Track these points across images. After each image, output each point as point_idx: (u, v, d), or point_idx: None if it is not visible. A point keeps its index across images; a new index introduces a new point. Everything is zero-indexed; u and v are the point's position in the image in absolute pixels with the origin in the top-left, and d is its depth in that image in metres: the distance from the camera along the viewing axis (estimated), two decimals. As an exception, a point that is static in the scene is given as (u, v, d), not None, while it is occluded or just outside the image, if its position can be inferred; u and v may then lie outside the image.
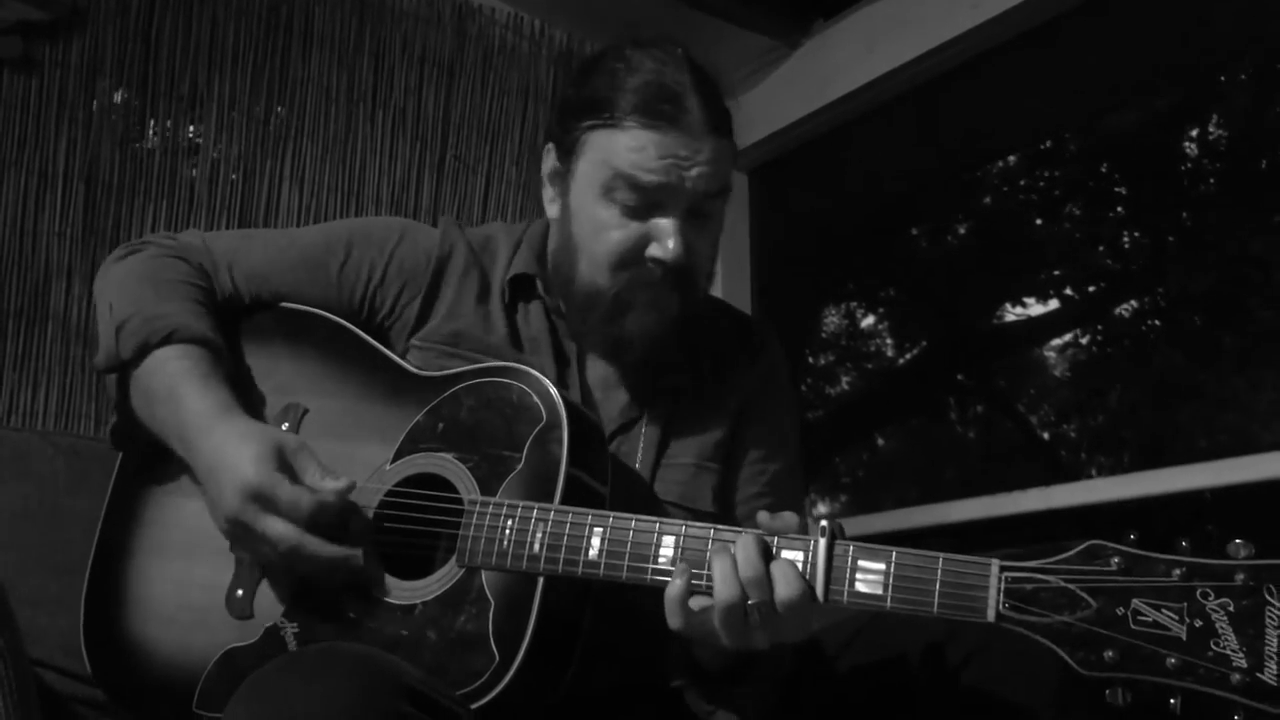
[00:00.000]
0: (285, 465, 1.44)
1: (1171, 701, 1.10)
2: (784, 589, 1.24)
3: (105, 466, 1.69)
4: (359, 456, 1.54)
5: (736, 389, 1.71)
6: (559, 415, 1.45)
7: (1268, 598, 1.07)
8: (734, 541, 1.29)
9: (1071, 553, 1.17)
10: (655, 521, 1.35)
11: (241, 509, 1.42)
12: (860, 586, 1.25)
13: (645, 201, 1.54)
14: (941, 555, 1.21)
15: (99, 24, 2.67)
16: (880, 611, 1.25)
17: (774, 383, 1.76)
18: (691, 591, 1.29)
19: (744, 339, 1.76)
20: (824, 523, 1.27)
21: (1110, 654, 1.12)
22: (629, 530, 1.35)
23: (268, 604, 1.51)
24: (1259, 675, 1.06)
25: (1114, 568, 1.14)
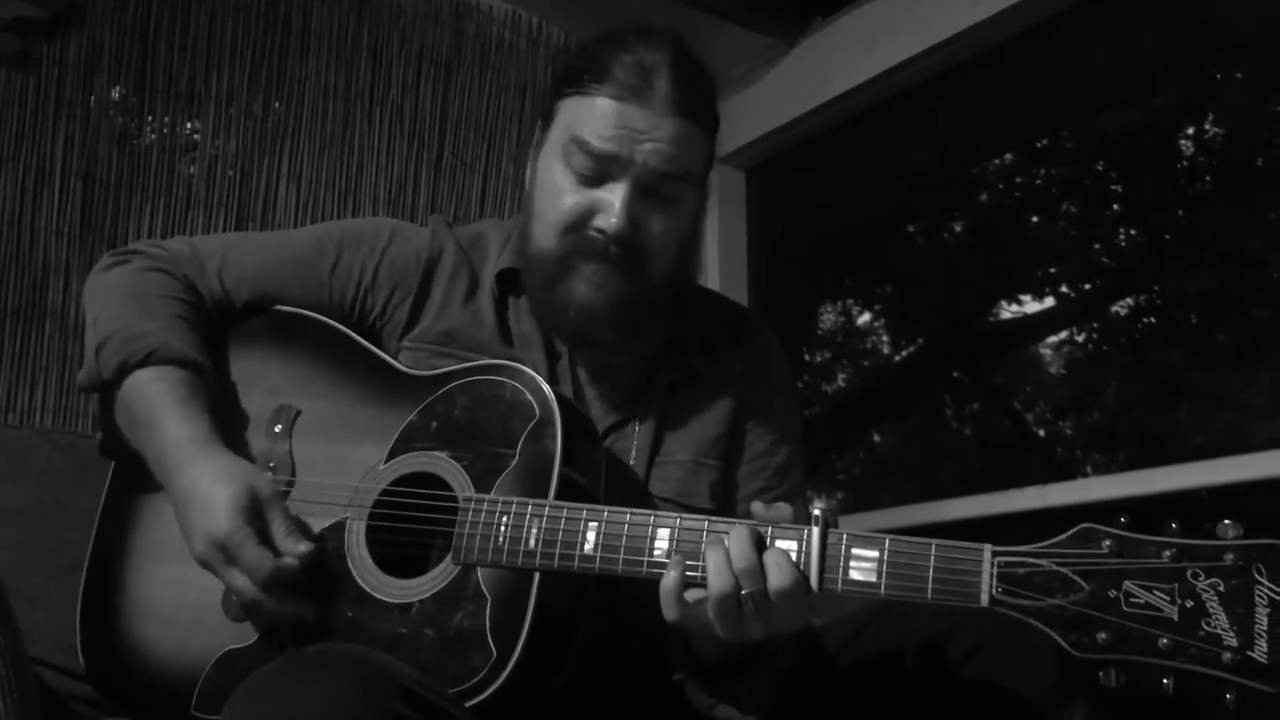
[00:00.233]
0: (256, 515, 1.45)
1: (1164, 681, 1.11)
2: (777, 578, 1.25)
3: (103, 465, 1.69)
4: (352, 457, 1.54)
5: (732, 383, 1.70)
6: (552, 411, 1.45)
7: (1257, 577, 1.09)
8: (728, 533, 1.29)
9: (1063, 537, 1.18)
10: (650, 515, 1.35)
11: (208, 555, 1.44)
12: (854, 574, 1.25)
13: (598, 170, 1.53)
14: (934, 541, 1.22)
15: (97, 21, 2.68)
16: (875, 599, 1.25)
17: (770, 374, 1.75)
18: (687, 583, 1.29)
19: (738, 330, 1.76)
20: (817, 512, 1.28)
21: (1103, 636, 1.13)
22: (624, 524, 1.36)
23: None
24: (1250, 653, 1.08)
25: (1105, 550, 1.15)
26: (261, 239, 1.78)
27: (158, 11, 2.75)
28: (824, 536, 1.27)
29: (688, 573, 1.29)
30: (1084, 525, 1.15)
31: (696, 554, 1.30)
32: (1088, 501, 2.64)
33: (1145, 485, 2.54)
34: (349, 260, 1.68)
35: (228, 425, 1.57)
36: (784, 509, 1.31)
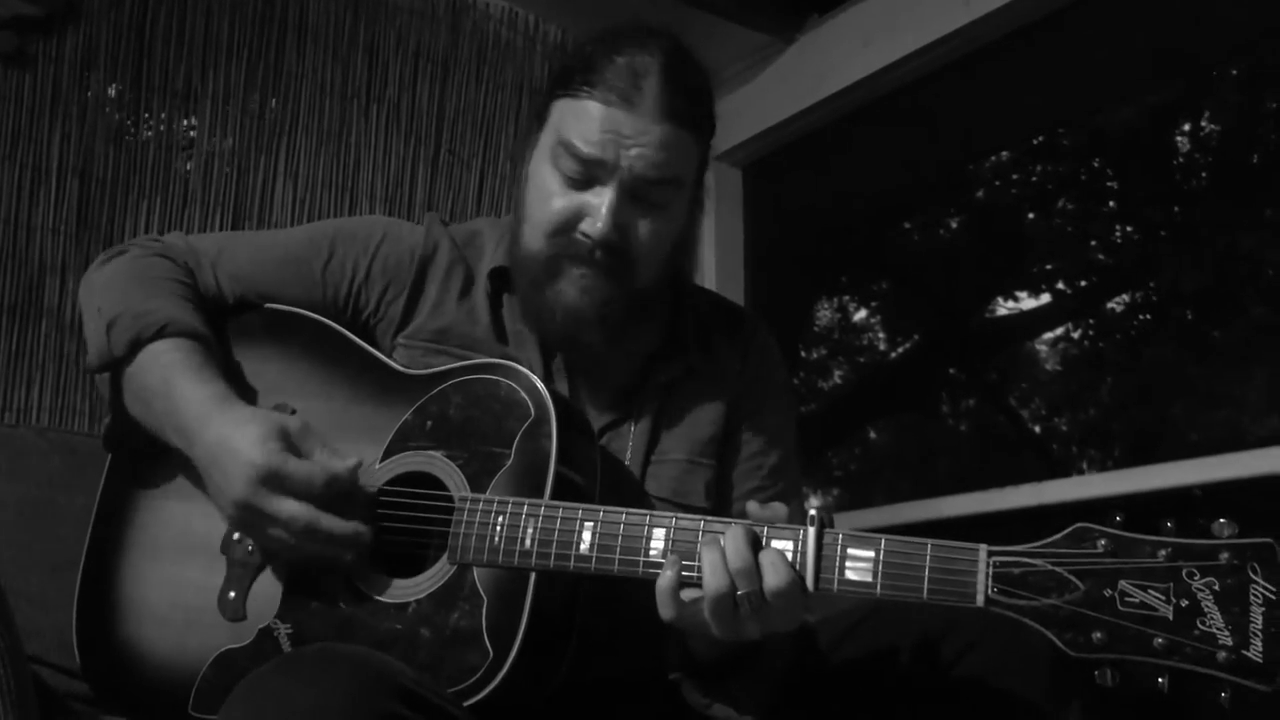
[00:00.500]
0: (290, 446, 1.44)
1: (1159, 680, 1.11)
2: (773, 578, 1.25)
3: (100, 463, 1.68)
4: (348, 456, 1.54)
5: (728, 383, 1.70)
6: (547, 410, 1.45)
7: (1252, 576, 1.09)
8: (724, 533, 1.29)
9: (1059, 536, 1.18)
10: (645, 514, 1.36)
11: (251, 492, 1.42)
12: (850, 574, 1.25)
13: (585, 174, 1.53)
14: (930, 541, 1.23)
15: (93, 18, 2.67)
16: (871, 599, 1.26)
17: (766, 374, 1.75)
18: (683, 583, 1.30)
19: (734, 330, 1.76)
20: (813, 512, 1.28)
21: (1098, 635, 1.13)
22: (619, 524, 1.36)
23: (260, 605, 1.51)
24: (1244, 652, 1.08)
25: (1100, 550, 1.15)
26: (256, 237, 1.78)
27: (154, 9, 2.75)
28: (819, 536, 1.27)
29: (684, 572, 1.30)
30: (1079, 525, 1.15)
31: (692, 554, 1.30)
32: (1083, 499, 2.64)
33: (1140, 483, 2.55)
34: (342, 257, 1.67)
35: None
36: (779, 509, 1.31)
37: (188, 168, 2.79)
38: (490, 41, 3.21)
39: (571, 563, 1.37)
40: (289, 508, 1.41)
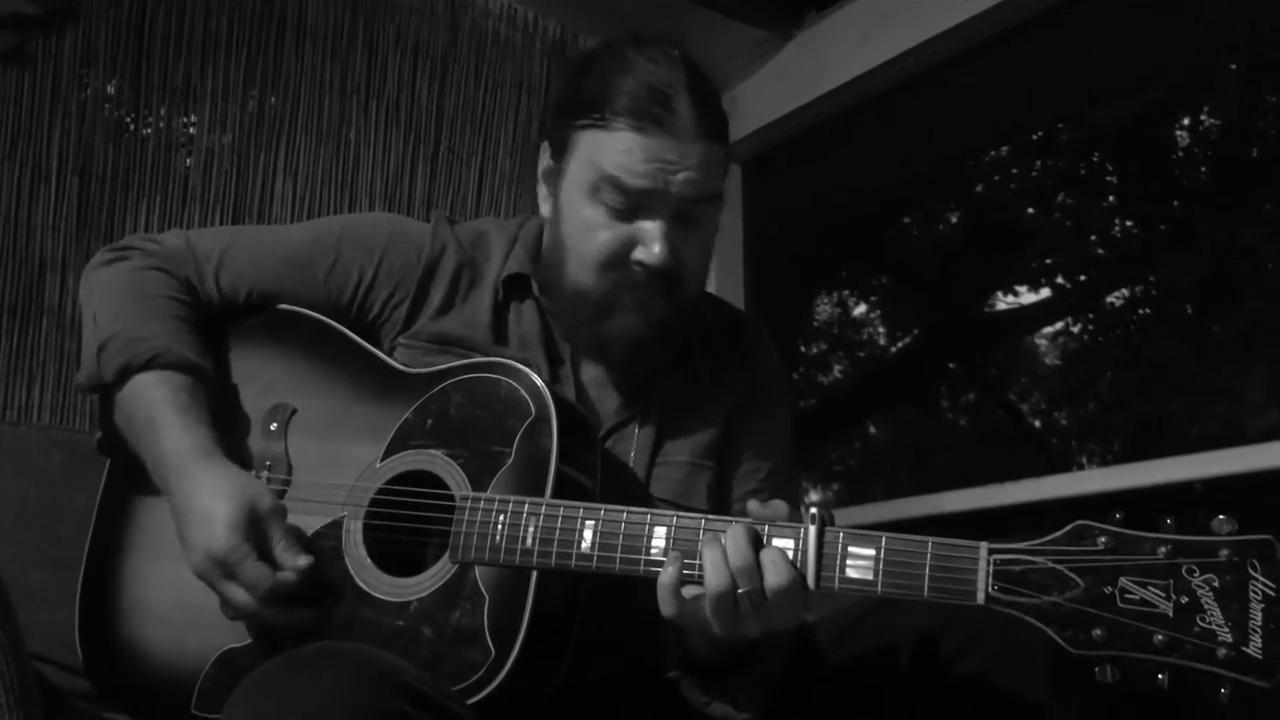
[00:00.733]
0: (255, 529, 1.45)
1: (1159, 677, 1.12)
2: (774, 577, 1.25)
3: (101, 462, 1.69)
4: (349, 455, 1.54)
5: (730, 387, 1.70)
6: (547, 409, 1.45)
7: (1251, 572, 1.09)
8: (725, 531, 1.30)
9: (1059, 534, 1.18)
10: (646, 513, 1.36)
11: (207, 569, 1.45)
12: (851, 572, 1.26)
13: (631, 204, 1.52)
14: (931, 539, 1.23)
15: (92, 16, 2.67)
16: (871, 597, 1.26)
17: (767, 380, 1.75)
18: (684, 581, 1.30)
19: (737, 337, 1.76)
20: (813, 510, 1.28)
21: (1099, 632, 1.14)
22: (621, 522, 1.36)
23: None
24: (1244, 649, 1.08)
25: (1101, 547, 1.16)
26: (258, 236, 1.78)
27: (152, 6, 2.74)
28: (820, 534, 1.27)
29: (685, 570, 1.30)
30: (1080, 522, 1.16)
31: (693, 552, 1.30)
32: (1082, 494, 2.64)
33: (1140, 478, 2.55)
34: (347, 261, 1.67)
35: (225, 425, 1.57)
36: (780, 507, 1.32)
37: (187, 164, 2.79)
38: (489, 38, 3.21)
39: (573, 561, 1.37)
40: (237, 596, 1.44)
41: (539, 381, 1.48)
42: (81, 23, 2.66)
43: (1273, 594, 1.08)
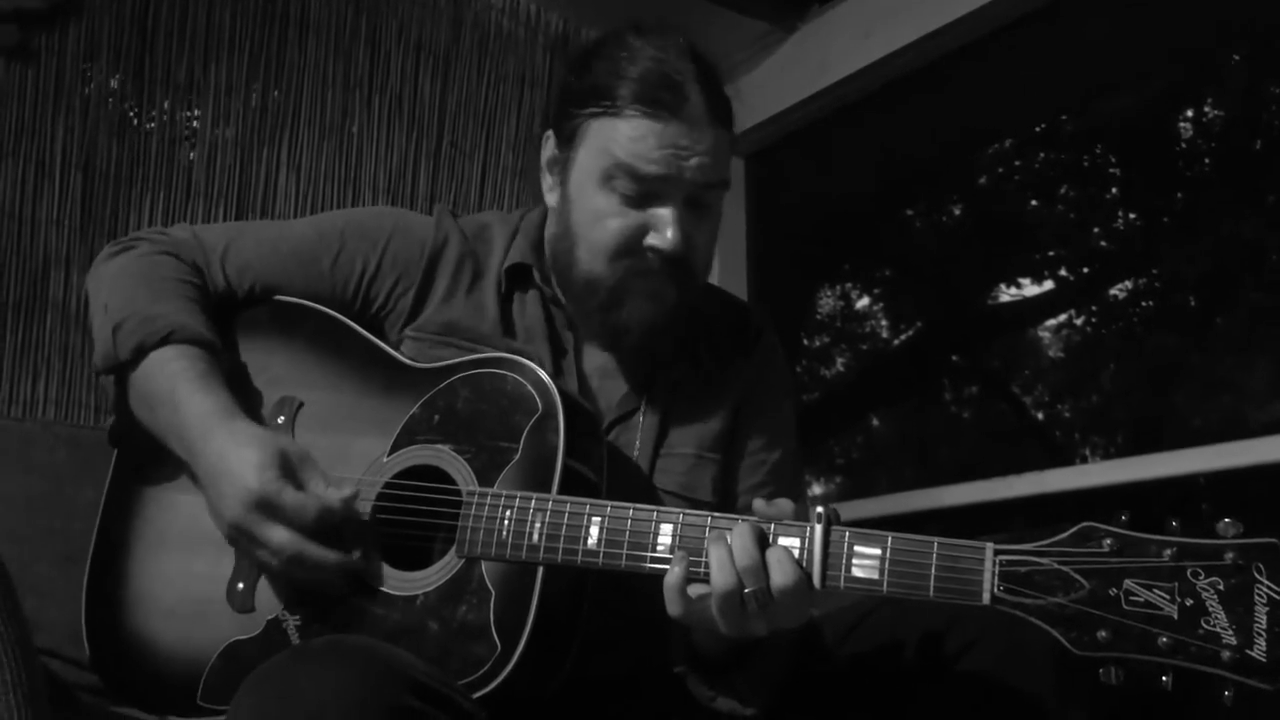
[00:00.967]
0: (289, 473, 1.45)
1: (1163, 679, 1.12)
2: (779, 576, 1.26)
3: (107, 456, 1.69)
4: (355, 449, 1.54)
5: (735, 379, 1.71)
6: (554, 405, 1.46)
7: (1256, 576, 1.10)
8: (730, 529, 1.30)
9: (1064, 535, 1.18)
10: (653, 510, 1.36)
11: (244, 516, 1.43)
12: (857, 572, 1.26)
13: (644, 191, 1.53)
14: (936, 540, 1.23)
15: (94, 11, 2.67)
16: (877, 596, 1.26)
17: (772, 372, 1.76)
18: (690, 579, 1.30)
19: (741, 328, 1.77)
20: (819, 509, 1.28)
21: (1103, 634, 1.14)
22: (627, 519, 1.37)
23: (268, 596, 1.52)
24: (1248, 652, 1.09)
25: (1106, 549, 1.16)
26: (264, 229, 1.78)
27: (155, 1, 2.74)
28: (826, 534, 1.27)
29: (691, 568, 1.30)
30: (1085, 524, 1.16)
31: (699, 550, 1.31)
32: (1085, 488, 2.65)
33: (1143, 471, 2.55)
34: (351, 252, 1.67)
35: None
36: (785, 505, 1.32)
37: (191, 156, 2.79)
38: (492, 33, 3.20)
39: (579, 557, 1.37)
40: (279, 535, 1.42)
41: (546, 377, 1.48)
42: (84, 17, 2.66)
43: (1277, 597, 1.08)
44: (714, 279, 1.94)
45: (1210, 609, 1.10)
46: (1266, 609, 1.08)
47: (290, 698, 1.18)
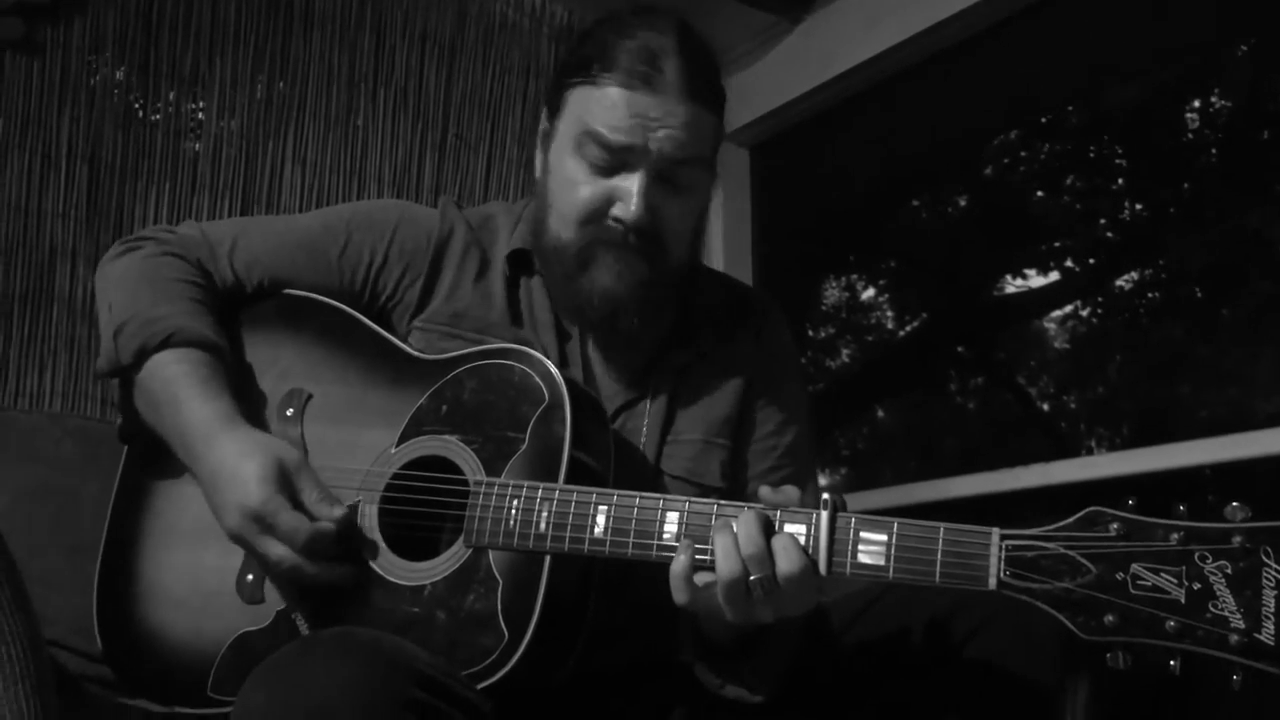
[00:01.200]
0: (286, 484, 1.46)
1: (1171, 663, 1.12)
2: (785, 563, 1.26)
3: (114, 448, 1.70)
4: (363, 441, 1.55)
5: (741, 364, 1.71)
6: (561, 395, 1.46)
7: (1264, 559, 1.09)
8: (736, 517, 1.30)
9: (1071, 520, 1.19)
10: (659, 498, 1.37)
11: (242, 528, 1.45)
12: (863, 558, 1.26)
13: (613, 161, 1.54)
14: (942, 525, 1.23)
15: (99, 3, 2.68)
16: (883, 582, 1.27)
17: (779, 355, 1.76)
18: (696, 567, 1.31)
19: (746, 312, 1.77)
20: (826, 495, 1.29)
21: (1110, 618, 1.14)
22: (633, 508, 1.37)
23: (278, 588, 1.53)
24: (1256, 636, 1.09)
25: (1113, 533, 1.16)
26: (271, 223, 1.79)
27: (160, -7, 2.75)
28: (832, 520, 1.28)
29: (696, 556, 1.31)
30: (1092, 508, 1.16)
31: (705, 538, 1.31)
32: (1092, 479, 2.65)
33: (1149, 463, 2.55)
34: (358, 243, 1.68)
35: (241, 409, 1.58)
36: (792, 492, 1.32)
37: (196, 148, 2.80)
38: (496, 24, 3.20)
39: (586, 546, 1.38)
40: (274, 550, 1.44)
41: (552, 368, 1.48)
42: (89, 10, 2.67)
43: (1286, 581, 1.08)
44: (718, 268, 1.94)
45: (1218, 593, 1.10)
46: (1275, 593, 1.08)
47: (297, 691, 1.19)
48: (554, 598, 1.39)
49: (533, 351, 1.51)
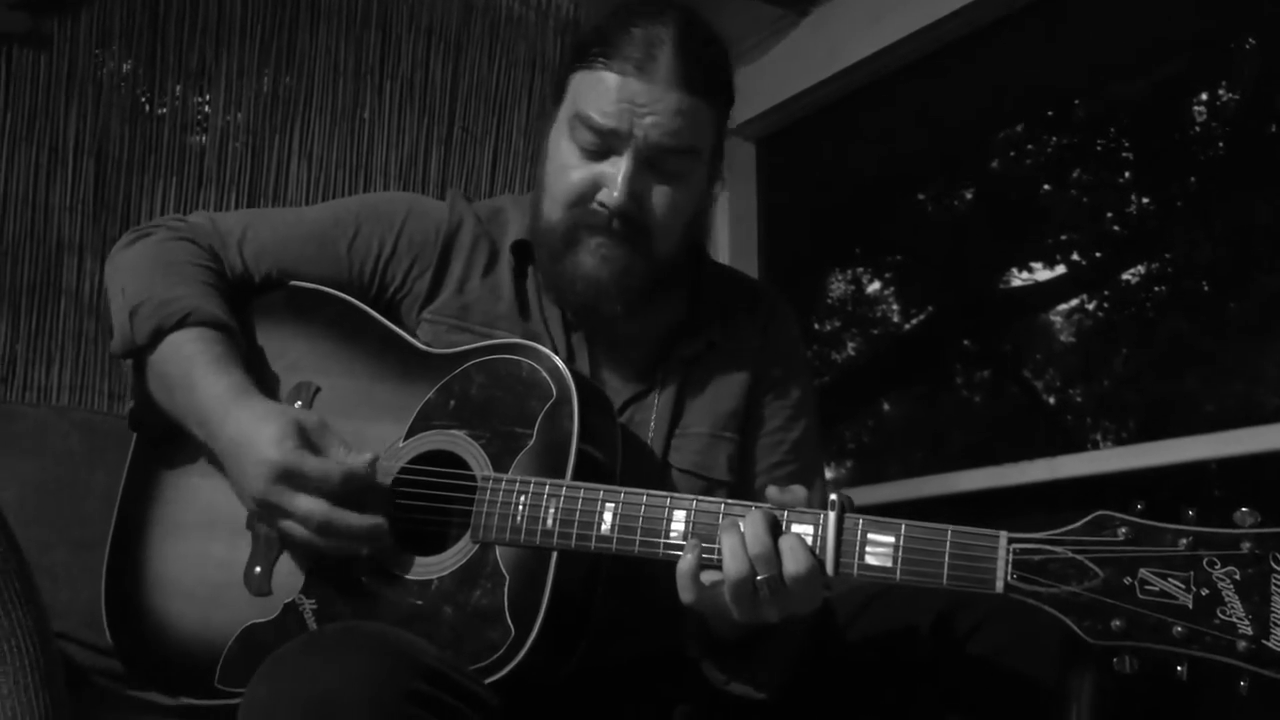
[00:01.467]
0: (307, 443, 1.46)
1: (1178, 669, 1.12)
2: (792, 564, 1.26)
3: (121, 442, 1.70)
4: (371, 434, 1.55)
5: (749, 357, 1.71)
6: (569, 391, 1.46)
7: (1273, 566, 1.09)
8: (743, 516, 1.30)
9: (1079, 524, 1.18)
10: (666, 496, 1.37)
11: (268, 489, 1.44)
12: (870, 559, 1.26)
13: (602, 145, 1.54)
14: (950, 528, 1.23)
15: (106, -3, 2.68)
16: (890, 584, 1.27)
17: (787, 350, 1.76)
18: (703, 566, 1.31)
19: (755, 306, 1.76)
20: (833, 496, 1.29)
21: (1118, 623, 1.14)
22: (640, 505, 1.37)
23: (285, 580, 1.53)
24: (1264, 642, 1.08)
25: (1121, 538, 1.16)
26: (281, 214, 1.79)
27: (167, -13, 2.75)
28: (840, 521, 1.28)
29: (704, 555, 1.31)
30: (1100, 513, 1.16)
31: (712, 536, 1.31)
32: (1098, 474, 2.64)
33: (1155, 457, 2.54)
34: (367, 235, 1.68)
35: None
36: (799, 492, 1.32)
37: (202, 140, 2.80)
38: (503, 17, 3.20)
39: (593, 543, 1.38)
40: (305, 504, 1.43)
41: (560, 363, 1.49)
42: (96, 3, 2.66)
43: (1294, 588, 1.08)
44: (725, 261, 1.94)
45: (1226, 599, 1.09)
46: (1284, 599, 1.08)
47: (304, 684, 1.19)
48: (560, 594, 1.39)
49: (540, 346, 1.52)
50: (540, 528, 1.40)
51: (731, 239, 3.45)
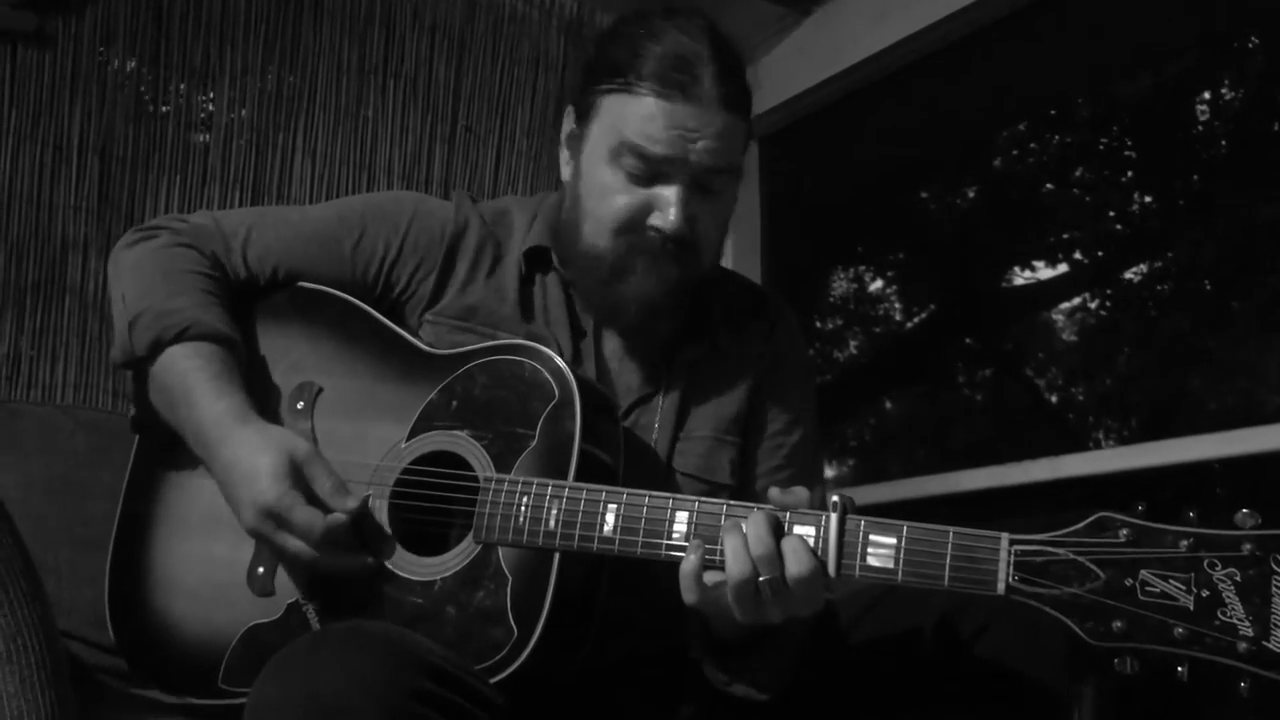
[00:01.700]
0: (299, 478, 1.47)
1: (1179, 670, 1.12)
2: (794, 565, 1.27)
3: (125, 441, 1.70)
4: (374, 435, 1.56)
5: (753, 362, 1.72)
6: (571, 392, 1.46)
7: (1274, 567, 1.09)
8: (746, 518, 1.31)
9: (1080, 525, 1.19)
10: (669, 497, 1.37)
11: (258, 525, 1.46)
12: (872, 561, 1.27)
13: (651, 170, 1.54)
14: (952, 529, 1.23)
15: (110, -5, 2.68)
16: (892, 585, 1.27)
17: (790, 355, 1.76)
18: (705, 567, 1.31)
19: (759, 312, 1.77)
20: (835, 498, 1.29)
21: (1119, 624, 1.14)
22: (643, 506, 1.38)
23: (288, 580, 1.53)
24: (1265, 644, 1.09)
25: (1122, 540, 1.16)
26: (285, 214, 1.79)
27: (171, -15, 2.75)
28: (842, 522, 1.28)
29: (706, 556, 1.31)
30: (1101, 514, 1.16)
31: (715, 538, 1.32)
32: (1100, 473, 2.64)
33: (1158, 457, 2.54)
34: (373, 236, 1.68)
35: (252, 402, 1.59)
36: (801, 494, 1.33)
37: (205, 138, 2.80)
38: (506, 15, 3.19)
39: (595, 544, 1.38)
40: (292, 545, 1.46)
41: (562, 364, 1.49)
42: (100, 2, 2.66)
43: (1295, 589, 1.08)
44: (728, 261, 1.94)
45: (1227, 600, 1.10)
46: (1285, 600, 1.08)
47: (309, 684, 1.19)
48: (563, 594, 1.39)
49: (543, 347, 1.52)
50: (543, 529, 1.40)
51: (734, 237, 3.44)
